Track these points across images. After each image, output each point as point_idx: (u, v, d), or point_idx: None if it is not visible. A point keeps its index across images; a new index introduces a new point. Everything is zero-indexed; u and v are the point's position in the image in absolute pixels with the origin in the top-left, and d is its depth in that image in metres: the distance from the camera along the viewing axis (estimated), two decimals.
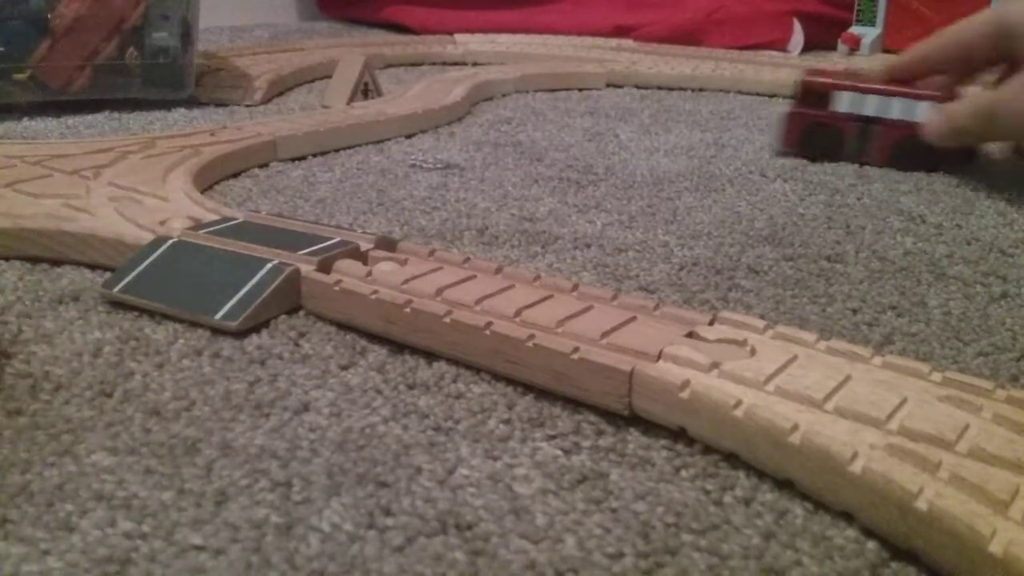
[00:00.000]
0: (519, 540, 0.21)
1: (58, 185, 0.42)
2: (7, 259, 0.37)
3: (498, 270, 0.32)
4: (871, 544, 0.21)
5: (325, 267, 0.32)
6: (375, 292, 0.30)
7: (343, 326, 0.31)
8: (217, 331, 0.30)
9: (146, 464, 0.23)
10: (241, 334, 0.30)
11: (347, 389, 0.27)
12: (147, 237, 0.35)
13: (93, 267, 0.36)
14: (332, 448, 0.24)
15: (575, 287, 0.31)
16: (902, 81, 0.54)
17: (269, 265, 0.32)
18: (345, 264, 0.32)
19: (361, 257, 0.34)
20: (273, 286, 0.31)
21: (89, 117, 0.63)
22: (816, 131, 0.55)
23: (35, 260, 0.37)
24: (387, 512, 0.22)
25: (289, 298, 0.32)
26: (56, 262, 0.36)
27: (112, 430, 0.25)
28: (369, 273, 0.31)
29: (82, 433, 0.25)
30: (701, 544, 0.21)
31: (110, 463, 0.23)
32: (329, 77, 0.75)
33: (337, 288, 0.31)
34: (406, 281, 0.31)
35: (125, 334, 0.30)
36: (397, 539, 0.21)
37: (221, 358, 0.29)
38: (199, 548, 0.20)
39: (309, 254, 0.33)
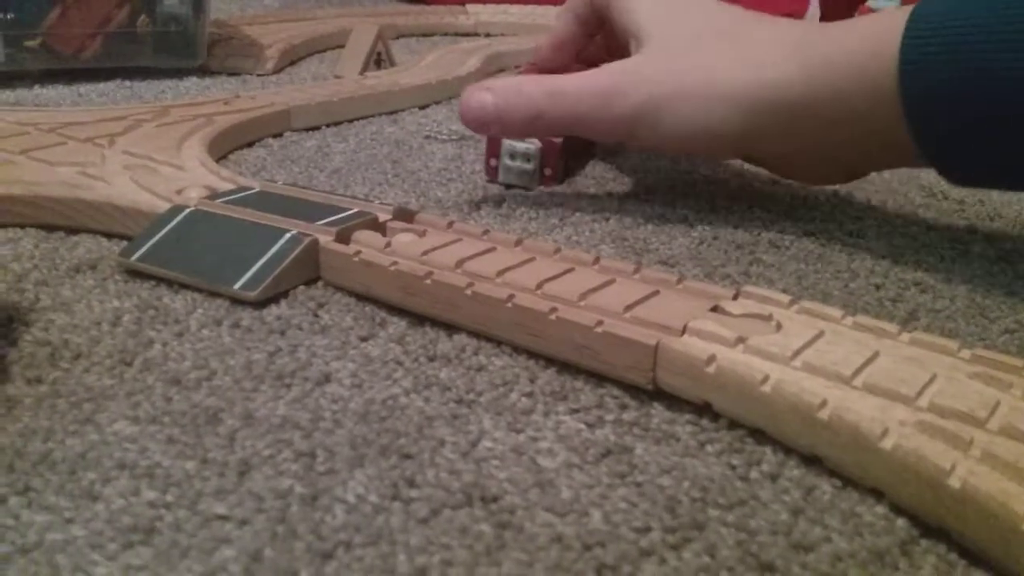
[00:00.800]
0: (545, 513, 0.21)
1: (73, 153, 0.41)
2: (23, 227, 0.36)
3: (518, 242, 0.32)
4: (901, 521, 0.21)
5: (344, 238, 0.32)
6: (394, 263, 0.30)
7: (362, 297, 0.31)
8: (236, 301, 0.30)
9: (168, 433, 0.23)
10: (260, 304, 0.30)
11: (368, 360, 0.27)
12: (163, 206, 0.35)
13: (109, 235, 0.36)
14: (355, 419, 0.24)
15: (596, 260, 0.30)
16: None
17: (288, 235, 0.32)
18: (364, 235, 0.32)
19: (380, 228, 0.33)
20: (292, 256, 0.31)
21: (101, 85, 0.63)
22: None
23: (51, 228, 0.36)
24: (411, 484, 0.21)
25: (308, 268, 0.32)
26: (72, 230, 0.36)
27: (133, 399, 0.25)
28: (388, 244, 0.31)
29: (103, 402, 0.24)
30: (728, 519, 0.21)
31: (132, 432, 0.23)
32: (341, 47, 0.74)
33: (356, 259, 0.31)
34: (426, 252, 0.30)
35: (143, 303, 0.30)
36: (422, 511, 0.20)
37: (241, 328, 0.29)
38: (224, 518, 0.20)
39: (327, 224, 0.32)
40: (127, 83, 0.63)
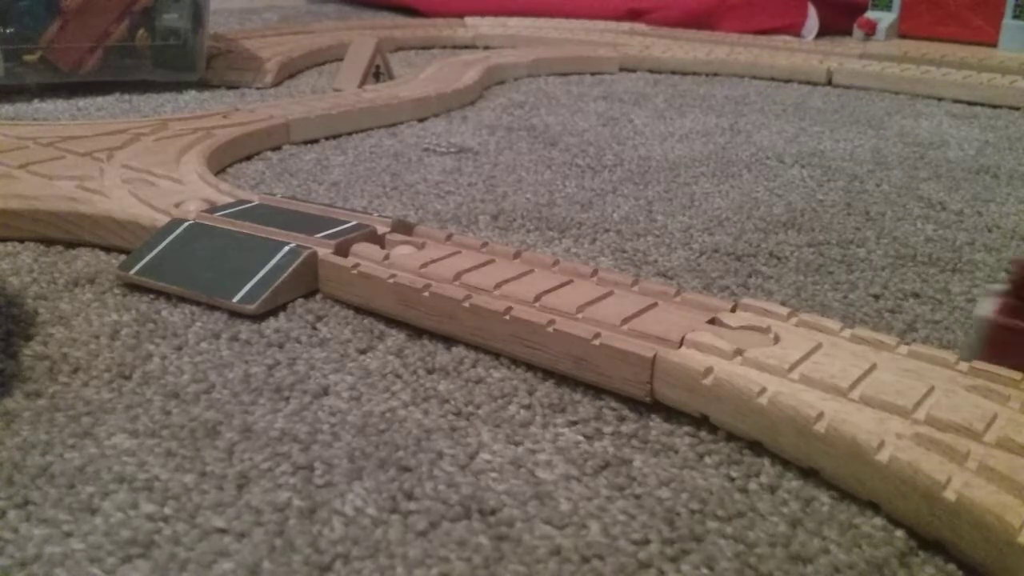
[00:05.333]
0: (543, 526, 0.21)
1: (72, 167, 0.41)
2: (22, 241, 0.36)
3: (516, 255, 0.32)
4: (899, 532, 0.21)
5: (342, 250, 0.32)
6: (393, 276, 0.30)
7: (360, 310, 0.31)
8: (234, 314, 0.30)
9: (167, 447, 0.23)
10: (259, 317, 0.30)
11: (366, 373, 0.27)
12: (162, 219, 0.35)
13: (108, 249, 0.36)
14: (353, 432, 0.24)
15: (594, 272, 0.30)
16: None
17: (286, 248, 0.32)
18: (362, 248, 0.32)
19: (378, 241, 0.33)
20: (291, 269, 0.31)
21: (100, 99, 0.63)
22: None
23: (50, 242, 0.36)
24: (410, 496, 0.21)
25: (306, 281, 0.32)
26: (71, 244, 0.36)
27: (132, 412, 0.25)
28: (387, 257, 0.31)
29: (102, 415, 0.24)
30: (727, 531, 0.21)
31: (131, 445, 0.23)
32: (339, 60, 0.74)
33: (355, 271, 0.31)
34: (424, 265, 0.30)
35: (142, 316, 0.30)
36: (421, 523, 0.20)
37: (239, 341, 0.29)
38: (222, 531, 0.20)
39: (326, 237, 0.32)
40: (126, 97, 0.64)
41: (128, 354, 0.28)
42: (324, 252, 0.32)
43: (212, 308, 0.31)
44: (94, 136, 0.46)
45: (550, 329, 0.27)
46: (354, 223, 0.34)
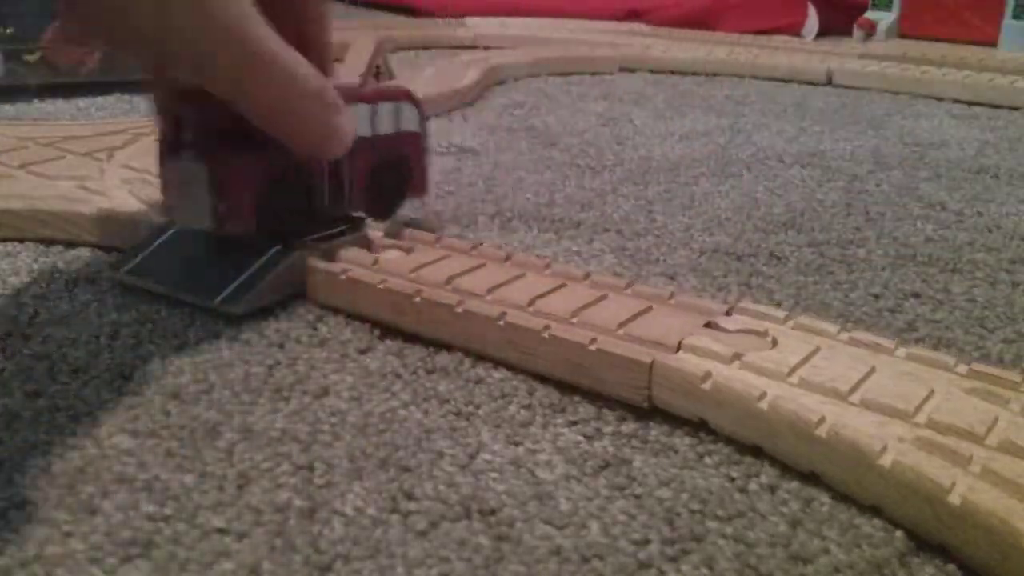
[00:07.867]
0: (543, 526, 0.21)
1: (72, 167, 0.41)
2: (21, 241, 0.36)
3: (507, 257, 0.32)
4: (899, 532, 0.21)
5: (330, 255, 0.32)
6: (383, 281, 0.29)
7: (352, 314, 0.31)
8: (235, 314, 0.30)
9: (167, 447, 0.23)
10: (259, 317, 0.30)
11: (366, 373, 0.27)
12: (162, 220, 0.35)
13: (108, 249, 0.36)
14: (353, 432, 0.24)
15: (587, 275, 0.30)
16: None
17: (272, 250, 0.31)
18: (351, 252, 0.32)
19: (367, 244, 0.33)
20: (275, 271, 0.31)
21: (100, 99, 0.63)
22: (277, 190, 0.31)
23: (49, 242, 0.36)
24: (410, 496, 0.21)
25: (293, 283, 0.31)
26: (71, 244, 0.36)
27: (132, 412, 0.25)
28: (376, 261, 0.31)
29: (102, 415, 0.24)
30: (727, 531, 0.21)
31: (131, 445, 0.23)
32: (340, 60, 0.74)
33: (343, 277, 0.30)
34: (414, 269, 0.30)
35: (142, 316, 0.30)
36: (421, 523, 0.20)
37: (239, 341, 0.29)
38: (222, 531, 0.20)
39: (314, 240, 0.32)
40: (126, 97, 0.64)
41: (128, 354, 0.28)
42: (311, 255, 0.31)
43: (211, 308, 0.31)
44: (94, 136, 0.46)
45: (545, 334, 0.26)
46: (343, 227, 0.34)
